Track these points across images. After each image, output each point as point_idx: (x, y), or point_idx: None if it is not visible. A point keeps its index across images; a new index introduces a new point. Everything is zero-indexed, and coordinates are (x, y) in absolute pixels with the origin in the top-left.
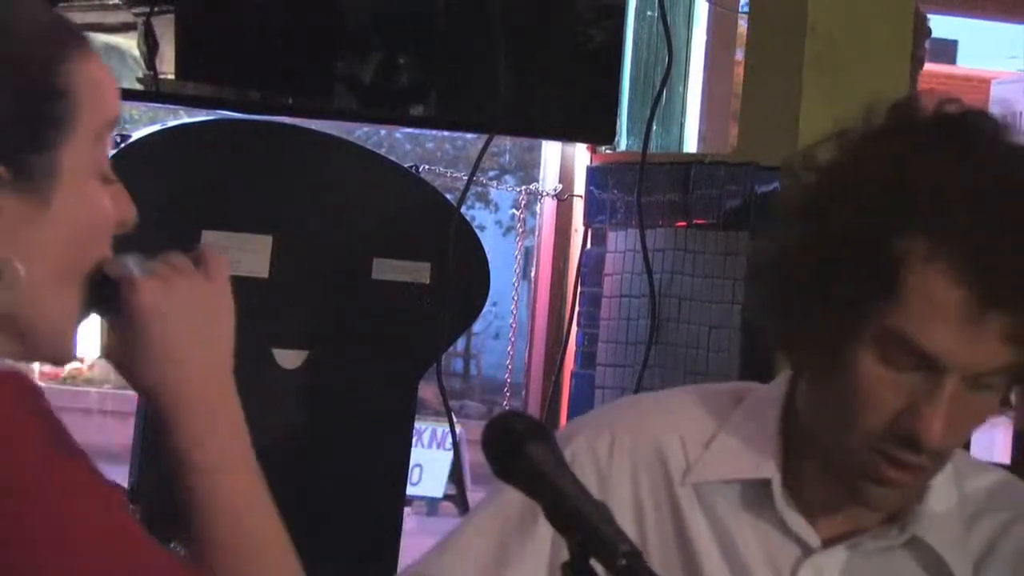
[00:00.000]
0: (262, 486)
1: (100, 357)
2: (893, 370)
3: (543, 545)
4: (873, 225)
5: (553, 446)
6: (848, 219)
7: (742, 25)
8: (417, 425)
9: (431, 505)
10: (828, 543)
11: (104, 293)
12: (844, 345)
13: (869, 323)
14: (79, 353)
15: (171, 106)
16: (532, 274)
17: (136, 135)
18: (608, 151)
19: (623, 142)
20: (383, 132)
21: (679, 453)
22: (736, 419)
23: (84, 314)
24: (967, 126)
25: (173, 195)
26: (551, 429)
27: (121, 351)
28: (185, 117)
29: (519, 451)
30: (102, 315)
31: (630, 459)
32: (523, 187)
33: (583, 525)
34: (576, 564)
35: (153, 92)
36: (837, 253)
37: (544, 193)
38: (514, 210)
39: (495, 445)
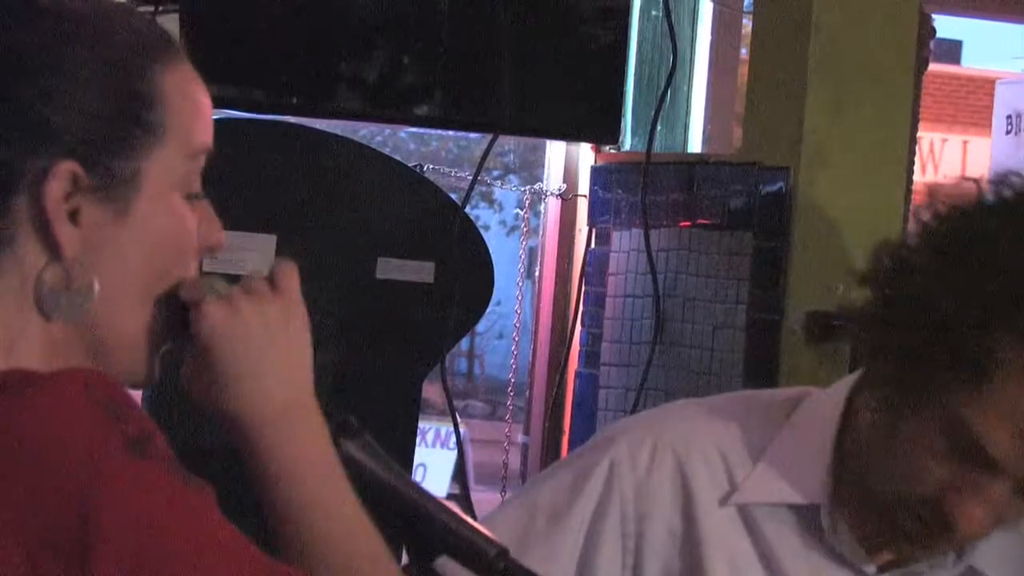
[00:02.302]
0: (347, 491)
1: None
2: (951, 452)
3: (573, 539)
4: (978, 320)
5: (370, 443)
6: (956, 307)
7: (746, 24)
8: (420, 425)
9: None
10: (883, 568)
11: (178, 317)
12: (914, 405)
13: (947, 401)
14: None
15: None
16: (536, 274)
17: None
18: (612, 151)
19: (627, 142)
20: (387, 131)
21: (721, 471)
22: (788, 433)
23: (163, 337)
24: None
25: None
26: (362, 425)
27: (195, 377)
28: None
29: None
30: (176, 340)
31: (671, 474)
32: (527, 187)
33: (435, 529)
34: (417, 566)
35: None
36: (938, 336)
37: (548, 193)
38: (518, 210)
39: None
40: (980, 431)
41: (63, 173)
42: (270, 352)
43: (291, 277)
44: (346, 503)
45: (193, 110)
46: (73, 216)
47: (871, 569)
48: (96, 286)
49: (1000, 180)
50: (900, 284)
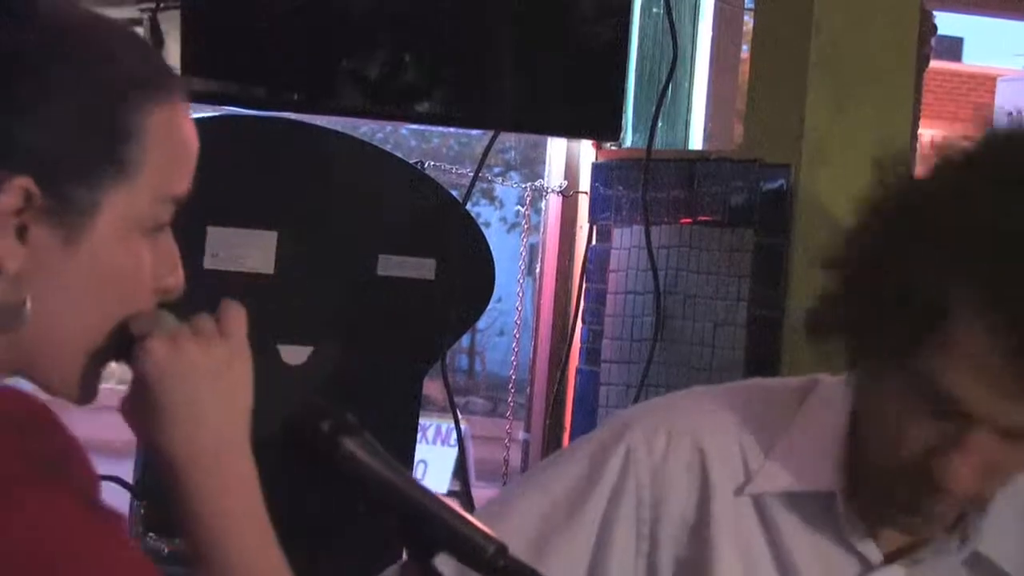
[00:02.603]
0: (271, 540)
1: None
2: (926, 411)
3: (589, 530)
4: (929, 274)
5: (369, 440)
6: (903, 262)
7: (748, 21)
8: (421, 421)
9: None
10: (890, 557)
11: (125, 348)
12: (883, 370)
13: (911, 360)
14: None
15: None
16: (537, 271)
17: None
18: (613, 148)
19: (628, 139)
20: (388, 128)
21: (738, 461)
22: (800, 421)
23: (104, 360)
24: None
25: None
26: (361, 422)
27: (134, 409)
28: (191, 113)
29: (336, 453)
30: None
31: (688, 460)
32: (528, 184)
33: (435, 526)
34: (418, 566)
35: None
36: (889, 291)
37: (549, 190)
38: (519, 207)
39: (303, 450)
40: (946, 382)
41: (16, 189)
42: (209, 395)
43: (239, 320)
44: (267, 549)
45: (176, 156)
46: (21, 233)
47: (877, 558)
48: (28, 306)
49: (942, 146)
50: (853, 259)
